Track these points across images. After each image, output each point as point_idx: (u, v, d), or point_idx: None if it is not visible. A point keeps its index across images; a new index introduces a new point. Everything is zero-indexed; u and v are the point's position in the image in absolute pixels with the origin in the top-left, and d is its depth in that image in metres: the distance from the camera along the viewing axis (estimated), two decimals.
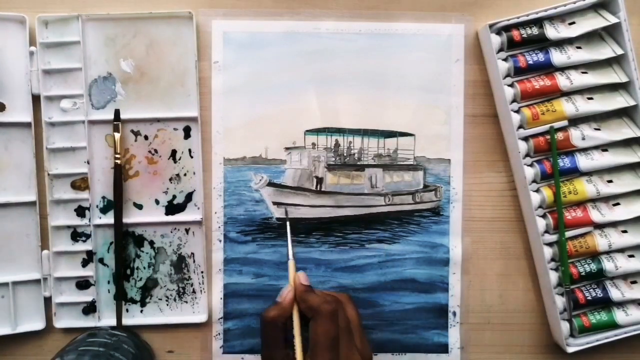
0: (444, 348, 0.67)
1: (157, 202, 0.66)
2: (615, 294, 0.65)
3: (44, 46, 0.64)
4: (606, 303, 0.65)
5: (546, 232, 0.65)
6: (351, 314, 0.58)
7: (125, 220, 0.65)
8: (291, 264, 0.60)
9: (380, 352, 0.67)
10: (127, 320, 0.66)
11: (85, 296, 0.66)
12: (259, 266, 0.66)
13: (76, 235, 0.66)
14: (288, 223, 0.64)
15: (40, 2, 0.65)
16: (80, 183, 0.65)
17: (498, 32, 0.64)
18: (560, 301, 0.65)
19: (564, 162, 0.65)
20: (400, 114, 0.66)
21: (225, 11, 0.65)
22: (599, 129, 0.65)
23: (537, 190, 0.65)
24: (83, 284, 0.66)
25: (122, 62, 0.65)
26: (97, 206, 0.66)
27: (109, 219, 0.65)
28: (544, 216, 0.65)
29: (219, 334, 0.67)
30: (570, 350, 0.65)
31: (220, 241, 0.66)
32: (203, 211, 0.66)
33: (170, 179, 0.66)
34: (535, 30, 0.64)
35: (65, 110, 0.64)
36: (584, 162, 0.64)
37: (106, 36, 0.65)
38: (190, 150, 0.66)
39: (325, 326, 0.55)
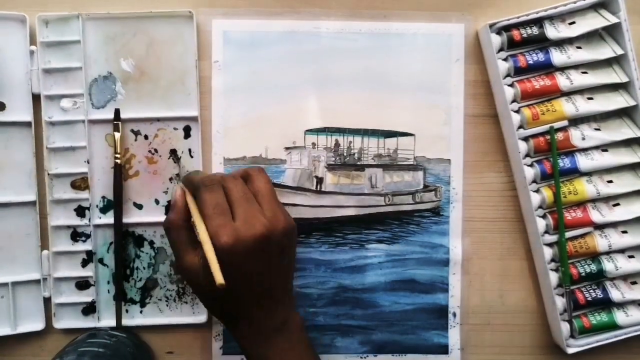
0: (444, 349, 0.67)
1: (157, 202, 0.66)
2: (615, 294, 0.65)
3: (44, 45, 0.64)
4: (606, 304, 0.65)
5: (546, 232, 0.65)
6: (259, 185, 0.55)
7: (125, 220, 0.65)
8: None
9: (380, 352, 0.67)
10: (126, 321, 0.66)
11: (85, 296, 0.66)
12: None
13: (76, 235, 0.65)
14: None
15: (40, 1, 0.64)
16: (80, 183, 0.65)
17: (498, 32, 0.64)
18: (560, 302, 0.65)
19: (564, 162, 0.65)
20: (400, 114, 0.66)
21: (225, 10, 0.65)
22: (599, 129, 0.65)
23: (537, 191, 0.65)
24: (83, 284, 0.66)
25: (122, 61, 0.65)
26: (97, 206, 0.66)
27: (109, 219, 0.65)
28: (544, 216, 0.65)
29: (219, 334, 0.67)
30: (570, 351, 0.65)
31: None
32: None
33: (171, 179, 0.66)
34: (535, 30, 0.64)
35: (66, 109, 0.64)
36: (584, 162, 0.64)
37: (106, 35, 0.65)
38: (190, 150, 0.66)
39: (207, 195, 0.53)
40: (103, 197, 0.66)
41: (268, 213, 0.53)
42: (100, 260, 0.66)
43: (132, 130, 0.65)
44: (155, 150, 0.66)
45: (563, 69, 0.64)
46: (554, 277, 0.65)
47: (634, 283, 0.65)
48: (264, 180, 0.56)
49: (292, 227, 0.55)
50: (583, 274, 0.65)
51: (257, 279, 0.54)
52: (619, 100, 0.64)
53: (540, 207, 0.65)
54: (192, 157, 0.66)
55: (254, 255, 0.52)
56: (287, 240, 0.55)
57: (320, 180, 0.67)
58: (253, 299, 0.54)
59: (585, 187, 0.65)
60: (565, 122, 0.64)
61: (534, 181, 0.65)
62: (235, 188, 0.54)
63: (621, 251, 0.66)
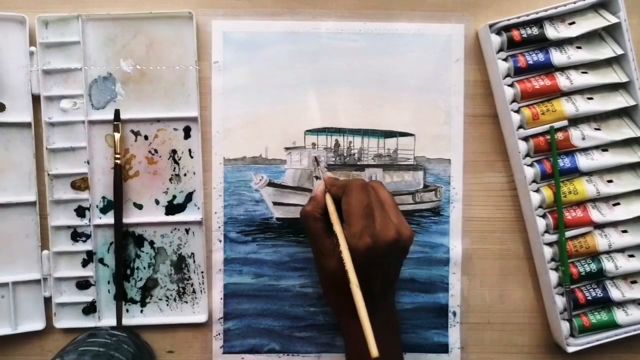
0: (444, 348, 0.67)
1: (157, 202, 0.66)
2: (615, 293, 0.65)
3: (44, 46, 0.64)
4: (606, 303, 0.65)
5: (546, 232, 0.65)
6: (384, 195, 0.59)
7: (125, 220, 0.65)
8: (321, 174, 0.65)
9: None
10: (127, 320, 0.66)
11: (85, 296, 0.66)
12: (259, 266, 0.66)
13: (76, 235, 0.66)
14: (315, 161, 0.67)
15: (40, 2, 0.65)
16: (80, 183, 0.65)
17: (498, 32, 0.64)
18: (560, 301, 0.65)
19: (564, 162, 0.65)
20: (400, 114, 0.66)
21: (225, 11, 0.65)
22: (599, 129, 0.65)
23: (537, 190, 0.65)
24: (83, 284, 0.66)
25: (122, 62, 0.65)
26: (97, 206, 0.66)
27: (109, 219, 0.65)
28: (544, 216, 0.65)
29: (219, 334, 0.67)
30: (570, 350, 0.65)
31: (220, 241, 0.66)
32: (203, 211, 0.66)
33: (170, 179, 0.66)
34: (535, 30, 0.64)
35: (65, 110, 0.64)
36: (584, 162, 0.64)
37: (106, 36, 0.65)
38: (190, 150, 0.66)
39: (357, 196, 0.57)
40: (103, 198, 0.66)
41: (395, 220, 0.57)
42: (101, 260, 0.66)
43: (132, 131, 0.65)
44: (155, 151, 0.66)
45: (563, 69, 0.64)
46: (554, 277, 0.65)
47: (633, 282, 0.66)
48: (387, 192, 0.60)
49: (412, 236, 0.58)
50: (583, 273, 0.65)
51: (380, 277, 0.58)
52: (619, 100, 0.64)
53: (540, 206, 0.65)
54: (192, 157, 0.66)
55: (384, 256, 0.57)
56: (408, 246, 0.59)
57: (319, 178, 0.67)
58: (372, 294, 0.56)
59: (585, 187, 0.65)
60: (565, 122, 0.64)
61: (534, 181, 0.65)
62: (373, 194, 0.58)
63: (621, 250, 0.66)
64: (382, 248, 0.55)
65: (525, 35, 0.64)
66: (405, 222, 0.58)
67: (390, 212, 0.58)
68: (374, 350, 0.50)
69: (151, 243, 0.66)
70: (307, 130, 0.66)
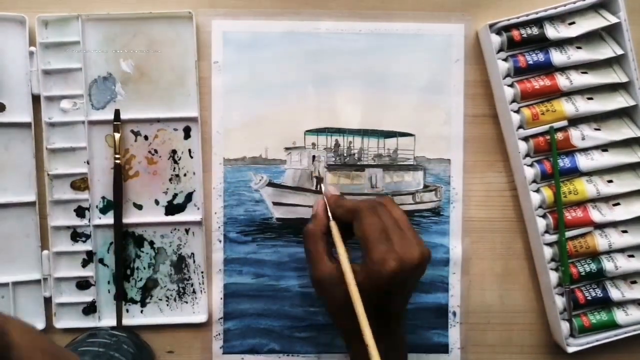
0: (444, 348, 0.67)
1: (157, 202, 0.66)
2: (615, 294, 0.65)
3: (44, 46, 0.64)
4: (606, 303, 0.65)
5: (546, 232, 0.65)
6: (397, 214, 0.56)
7: (125, 220, 0.65)
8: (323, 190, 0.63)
9: None
10: (127, 321, 0.66)
11: (85, 296, 0.66)
12: (259, 266, 0.66)
13: (76, 235, 0.66)
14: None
15: (40, 2, 0.64)
16: (80, 183, 0.65)
17: (498, 32, 0.64)
18: (560, 301, 0.65)
19: (564, 162, 0.65)
20: (400, 114, 0.66)
21: (225, 11, 0.65)
22: (599, 129, 0.65)
23: (537, 190, 0.65)
24: (83, 284, 0.66)
25: (122, 62, 0.65)
26: (97, 206, 0.66)
27: (109, 219, 0.65)
28: (544, 216, 0.65)
29: (219, 334, 0.67)
30: (570, 350, 0.65)
31: (220, 241, 0.66)
32: (203, 211, 0.66)
33: (170, 179, 0.66)
34: (535, 30, 0.64)
35: (65, 110, 0.64)
36: (584, 162, 0.64)
37: (106, 36, 0.65)
38: (190, 151, 0.66)
39: (370, 219, 0.54)
40: (103, 198, 0.66)
41: (414, 240, 0.54)
42: (101, 261, 0.66)
43: (132, 131, 0.65)
44: (155, 151, 0.66)
45: (563, 69, 0.64)
46: (554, 277, 0.65)
47: (633, 282, 0.66)
48: (399, 209, 0.57)
49: (430, 254, 0.56)
50: (583, 274, 0.65)
51: (399, 300, 0.56)
52: (619, 100, 0.64)
53: (540, 206, 0.65)
54: (192, 157, 0.66)
55: (406, 280, 0.54)
56: (427, 265, 0.56)
57: (320, 181, 0.67)
58: (388, 317, 0.55)
59: (585, 187, 0.65)
60: (565, 122, 0.64)
61: (534, 181, 0.65)
62: (385, 215, 0.55)
63: (621, 251, 0.66)
64: (408, 270, 0.53)
65: (525, 35, 0.64)
66: (421, 240, 0.55)
67: (407, 231, 0.55)
68: (370, 345, 0.49)
69: (151, 243, 0.66)
70: (307, 130, 0.66)
